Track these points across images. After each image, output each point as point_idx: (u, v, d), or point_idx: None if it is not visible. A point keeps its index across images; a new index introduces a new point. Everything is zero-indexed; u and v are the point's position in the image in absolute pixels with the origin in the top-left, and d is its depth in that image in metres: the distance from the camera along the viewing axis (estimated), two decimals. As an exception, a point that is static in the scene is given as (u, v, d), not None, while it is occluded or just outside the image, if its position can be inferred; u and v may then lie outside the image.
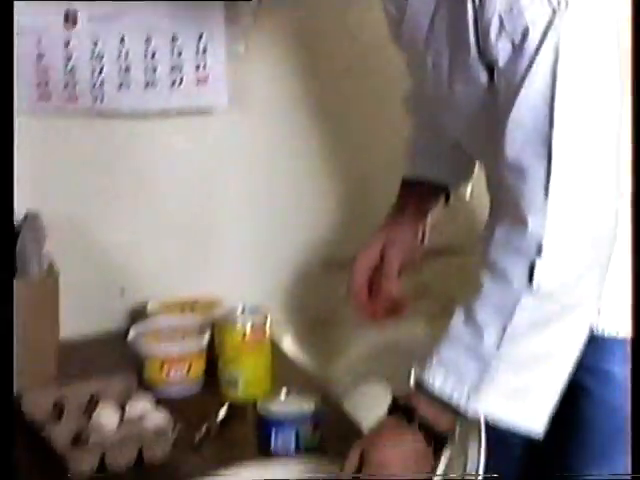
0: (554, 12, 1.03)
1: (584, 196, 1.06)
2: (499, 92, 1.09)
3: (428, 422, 1.09)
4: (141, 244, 1.64)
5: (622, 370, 1.14)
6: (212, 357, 1.44)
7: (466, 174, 1.40)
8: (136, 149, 1.62)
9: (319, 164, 1.73)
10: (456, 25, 1.11)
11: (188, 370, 1.43)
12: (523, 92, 1.05)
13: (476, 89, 1.13)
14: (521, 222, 1.05)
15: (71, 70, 1.51)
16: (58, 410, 1.30)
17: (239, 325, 1.40)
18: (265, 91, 1.66)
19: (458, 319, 1.10)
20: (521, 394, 1.08)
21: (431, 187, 1.38)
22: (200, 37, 1.59)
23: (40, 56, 1.51)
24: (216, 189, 1.69)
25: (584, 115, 1.05)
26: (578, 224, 1.06)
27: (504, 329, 1.06)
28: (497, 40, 1.06)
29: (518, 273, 1.06)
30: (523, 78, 1.05)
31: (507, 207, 1.09)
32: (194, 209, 1.68)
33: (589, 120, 1.05)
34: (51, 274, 1.42)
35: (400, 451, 1.09)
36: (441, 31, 1.14)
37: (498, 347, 1.07)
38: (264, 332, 1.42)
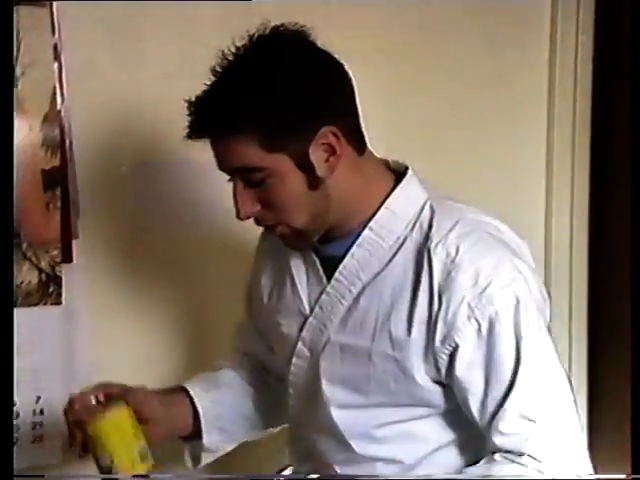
0: (517, 302, 1.26)
1: (579, 437, 1.30)
2: (468, 377, 1.27)
3: None
4: None
5: None
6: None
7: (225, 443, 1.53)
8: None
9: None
10: (394, 304, 1.30)
11: None
12: (519, 383, 1.25)
13: (395, 369, 1.30)
14: (538, 460, 1.25)
15: None
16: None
17: None
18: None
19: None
20: None
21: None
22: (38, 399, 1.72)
23: None
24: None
25: (561, 379, 1.29)
26: (586, 460, 1.29)
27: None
28: (464, 326, 1.26)
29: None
30: (515, 370, 1.25)
31: (511, 448, 1.27)
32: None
33: (564, 381, 1.30)
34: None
35: None
36: (369, 308, 1.32)
37: None
38: None
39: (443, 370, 1.29)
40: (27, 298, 1.72)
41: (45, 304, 1.73)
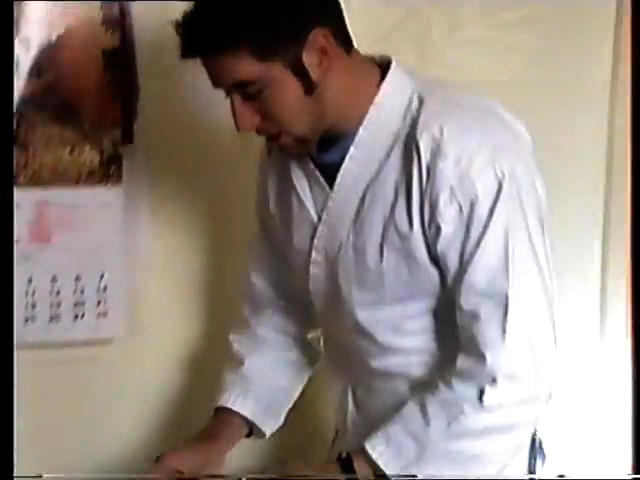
0: (500, 184, 1.26)
1: (534, 335, 1.28)
2: (446, 256, 1.28)
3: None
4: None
5: None
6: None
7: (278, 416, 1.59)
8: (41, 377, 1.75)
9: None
10: (397, 198, 1.30)
11: None
12: (478, 257, 1.26)
13: (407, 261, 1.32)
14: (479, 355, 1.27)
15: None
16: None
17: None
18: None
19: (413, 405, 1.31)
20: None
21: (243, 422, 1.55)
22: (102, 276, 1.77)
23: None
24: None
25: (531, 267, 1.28)
26: (528, 360, 1.28)
27: (448, 425, 1.28)
28: (445, 208, 1.26)
29: (469, 394, 1.27)
30: (477, 244, 1.26)
31: (464, 340, 1.30)
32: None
33: (533, 270, 1.28)
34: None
35: None
36: (375, 206, 1.32)
37: (439, 439, 1.28)
38: None
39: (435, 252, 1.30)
40: (89, 177, 1.75)
41: (106, 184, 1.76)
